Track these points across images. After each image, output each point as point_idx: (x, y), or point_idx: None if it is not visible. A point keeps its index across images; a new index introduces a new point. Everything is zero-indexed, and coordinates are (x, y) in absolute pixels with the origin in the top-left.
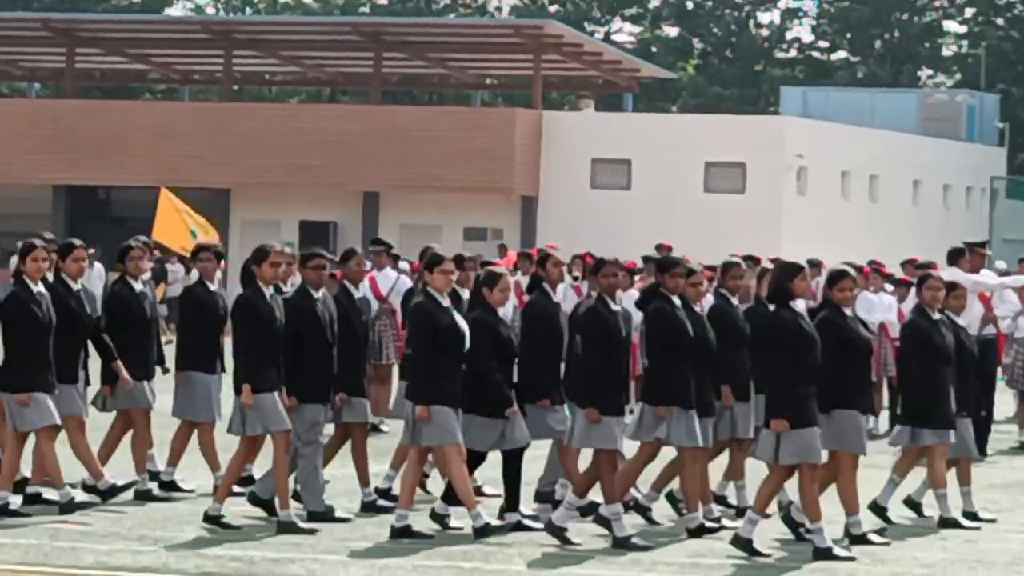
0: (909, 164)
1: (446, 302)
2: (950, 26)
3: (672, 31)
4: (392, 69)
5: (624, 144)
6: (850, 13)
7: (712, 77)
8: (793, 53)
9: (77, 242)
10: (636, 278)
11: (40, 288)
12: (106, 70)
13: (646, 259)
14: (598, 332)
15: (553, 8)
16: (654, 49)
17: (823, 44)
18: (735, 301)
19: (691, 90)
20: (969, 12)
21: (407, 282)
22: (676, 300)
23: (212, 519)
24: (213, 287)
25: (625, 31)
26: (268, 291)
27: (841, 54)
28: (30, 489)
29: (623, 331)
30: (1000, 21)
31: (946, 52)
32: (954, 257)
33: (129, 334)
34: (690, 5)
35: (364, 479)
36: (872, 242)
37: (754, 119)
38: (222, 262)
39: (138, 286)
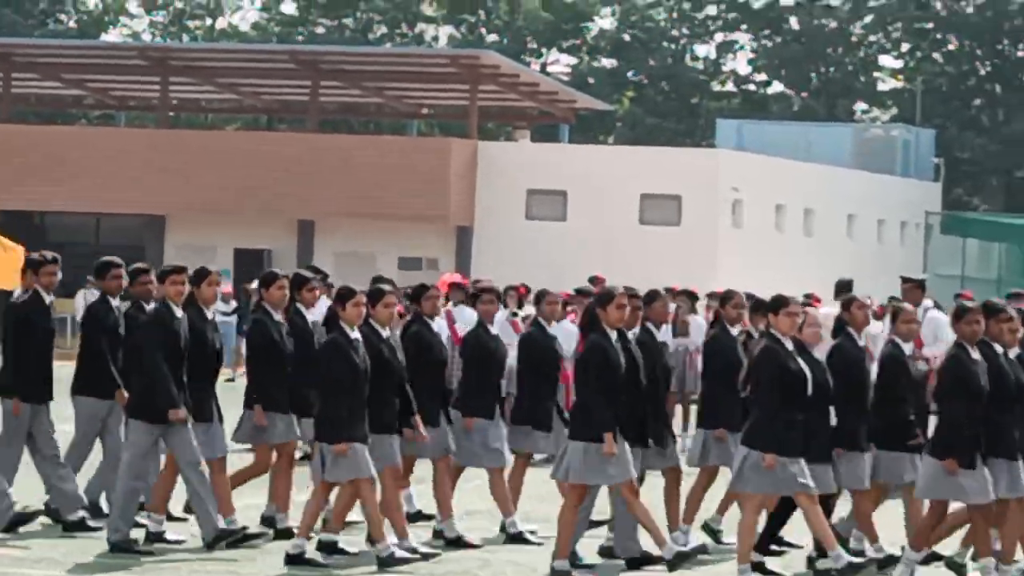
0: (844, 198)
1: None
2: (885, 61)
3: (609, 63)
4: (329, 98)
5: (560, 175)
6: (785, 47)
7: (648, 109)
8: (729, 86)
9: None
10: (569, 309)
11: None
12: (42, 95)
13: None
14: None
15: (490, 39)
16: (590, 80)
17: (759, 78)
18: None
19: (627, 122)
20: (905, 47)
21: None
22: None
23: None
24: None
25: (562, 62)
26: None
27: (777, 87)
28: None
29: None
30: (936, 56)
31: (881, 87)
32: (839, 291)
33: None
34: (627, 37)
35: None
36: (807, 275)
37: (690, 151)
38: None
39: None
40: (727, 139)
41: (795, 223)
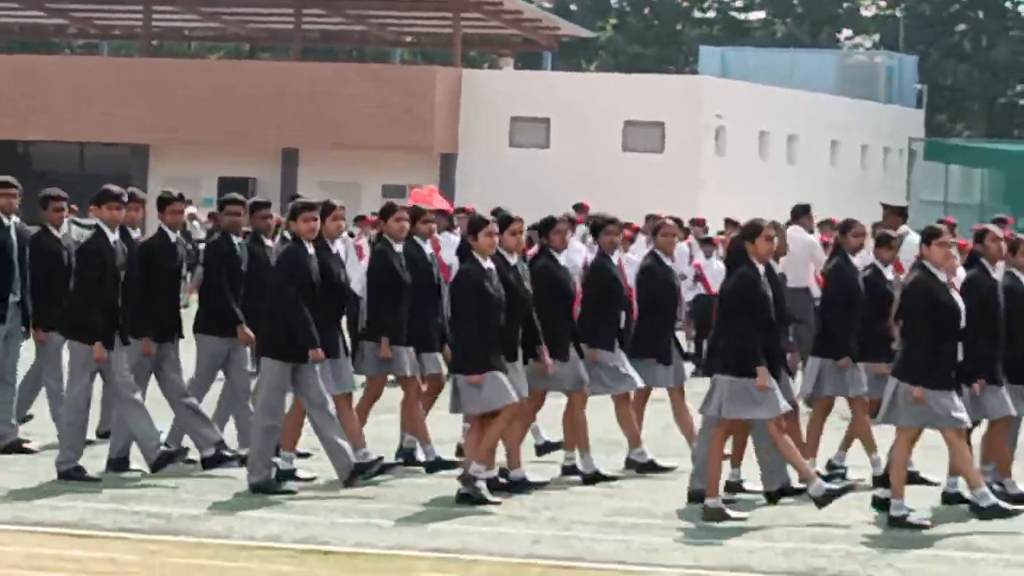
0: (827, 125)
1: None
2: None
3: None
4: (312, 26)
5: (543, 103)
6: None
7: (631, 36)
8: (712, 13)
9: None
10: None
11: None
12: (25, 24)
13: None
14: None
15: None
16: (573, 8)
17: (741, 3)
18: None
19: (610, 49)
20: None
21: None
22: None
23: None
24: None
25: None
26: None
27: (759, 14)
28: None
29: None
30: None
31: (865, 13)
32: (796, 215)
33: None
34: None
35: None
36: (790, 202)
37: (672, 79)
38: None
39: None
40: (710, 66)
41: (778, 150)
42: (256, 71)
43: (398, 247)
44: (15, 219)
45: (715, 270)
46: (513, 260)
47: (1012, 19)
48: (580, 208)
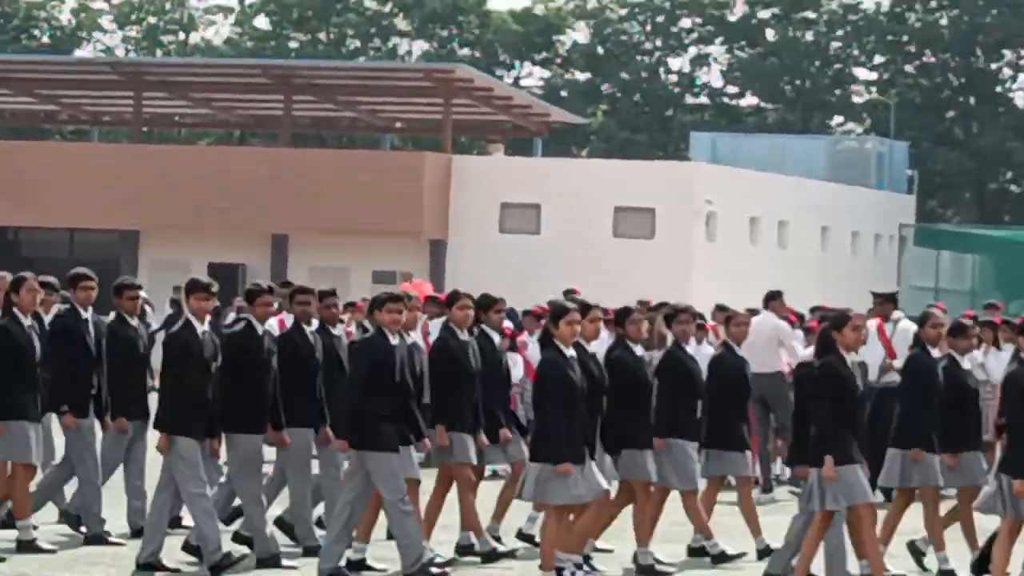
0: (818, 210)
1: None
2: (860, 73)
3: (582, 76)
4: (302, 112)
5: (533, 189)
6: (761, 60)
7: (622, 122)
8: (703, 99)
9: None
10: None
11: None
12: (16, 110)
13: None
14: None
15: (463, 52)
16: (564, 94)
17: (733, 90)
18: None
19: (601, 135)
20: (879, 59)
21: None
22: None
23: None
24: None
25: (535, 75)
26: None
27: (751, 100)
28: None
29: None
30: (910, 69)
31: (856, 99)
32: (768, 300)
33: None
34: (600, 50)
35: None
36: (780, 288)
37: (663, 164)
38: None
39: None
40: (701, 152)
41: (769, 236)
42: (246, 157)
43: (463, 335)
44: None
45: (703, 355)
46: (592, 348)
47: (1003, 105)
48: (570, 293)
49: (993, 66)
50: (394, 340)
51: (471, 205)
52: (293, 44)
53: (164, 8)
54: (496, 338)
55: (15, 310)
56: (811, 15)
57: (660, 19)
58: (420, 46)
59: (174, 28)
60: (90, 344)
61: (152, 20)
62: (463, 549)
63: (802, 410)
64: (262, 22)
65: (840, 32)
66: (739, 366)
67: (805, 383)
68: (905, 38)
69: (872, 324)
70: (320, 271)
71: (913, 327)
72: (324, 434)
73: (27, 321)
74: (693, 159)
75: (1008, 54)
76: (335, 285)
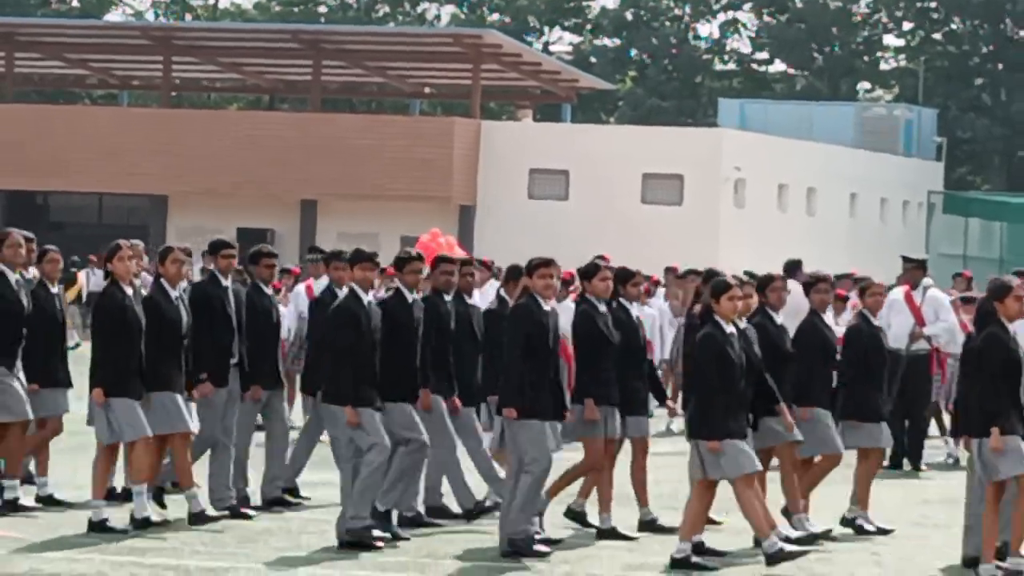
0: (846, 177)
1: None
2: (889, 40)
3: (611, 42)
4: (331, 77)
5: (562, 155)
6: (789, 27)
7: (650, 89)
8: (732, 66)
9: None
10: (571, 288)
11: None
12: (46, 75)
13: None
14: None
15: (492, 18)
16: (593, 60)
17: (762, 56)
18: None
19: (629, 101)
20: (907, 27)
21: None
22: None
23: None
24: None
25: (564, 41)
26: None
27: (780, 67)
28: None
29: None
30: (938, 36)
31: (884, 66)
32: (791, 270)
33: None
34: (629, 16)
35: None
36: (809, 255)
37: (692, 131)
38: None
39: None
40: (729, 118)
41: (798, 203)
42: (275, 122)
43: (602, 307)
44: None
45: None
46: (744, 324)
47: None
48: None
49: (1022, 33)
50: (547, 306)
51: (500, 171)
52: (322, 9)
53: None
54: (634, 311)
55: (162, 281)
56: None
57: None
58: (449, 11)
59: None
60: (230, 313)
61: None
62: (645, 524)
63: (968, 381)
64: None
65: None
66: (876, 336)
67: (965, 356)
68: (933, 4)
69: (900, 291)
70: (349, 236)
71: (943, 295)
72: (453, 403)
73: (174, 292)
74: (721, 126)
75: None
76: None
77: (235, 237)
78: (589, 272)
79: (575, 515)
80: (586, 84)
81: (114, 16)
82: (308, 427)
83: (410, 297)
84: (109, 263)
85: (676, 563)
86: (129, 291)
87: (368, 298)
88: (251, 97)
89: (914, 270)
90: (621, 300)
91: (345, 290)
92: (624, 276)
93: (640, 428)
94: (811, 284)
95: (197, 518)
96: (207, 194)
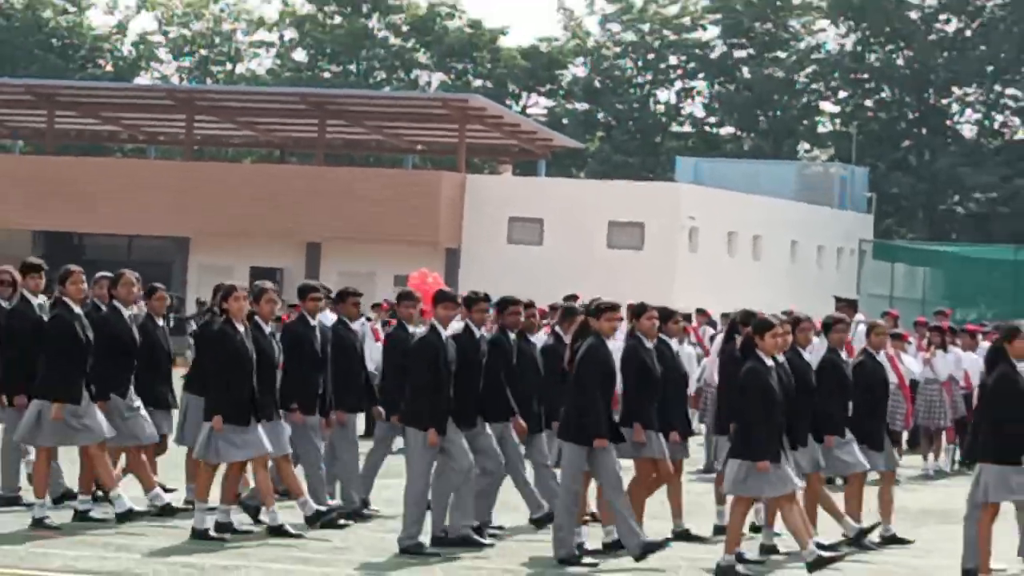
0: (788, 227)
1: (770, 362)
2: (826, 106)
3: (581, 106)
4: (334, 135)
5: (538, 205)
6: (737, 94)
7: (616, 147)
8: (687, 128)
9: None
10: (544, 322)
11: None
12: (82, 130)
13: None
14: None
15: (476, 83)
16: (565, 121)
17: (714, 120)
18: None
19: (597, 158)
20: (843, 95)
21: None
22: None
23: None
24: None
25: (540, 105)
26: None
27: (729, 129)
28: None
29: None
30: (869, 103)
31: (822, 129)
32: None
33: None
34: (597, 84)
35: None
36: (754, 296)
37: (652, 185)
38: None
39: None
40: (685, 174)
41: (745, 249)
42: (284, 174)
43: (648, 343)
44: (320, 318)
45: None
46: (781, 358)
47: (951, 136)
48: (572, 298)
49: (943, 101)
50: (612, 344)
51: (482, 218)
52: (327, 75)
53: (214, 42)
54: (675, 345)
55: (257, 318)
56: (781, 55)
57: (650, 57)
58: (439, 78)
59: (223, 59)
60: (317, 349)
61: (203, 52)
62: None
63: (980, 414)
64: (300, 55)
65: (808, 70)
66: (880, 371)
67: (983, 390)
68: (866, 75)
69: None
70: (348, 274)
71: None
72: (518, 424)
73: (268, 328)
74: (678, 180)
75: (956, 91)
76: (362, 288)
77: (248, 275)
78: (638, 312)
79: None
80: (559, 143)
81: (143, 79)
82: (378, 445)
83: (477, 333)
84: (224, 302)
85: (721, 571)
86: (241, 328)
87: (447, 333)
88: (264, 151)
89: (845, 308)
90: (663, 336)
91: (425, 328)
92: (666, 315)
93: (680, 450)
94: (829, 325)
95: (276, 531)
96: (224, 236)
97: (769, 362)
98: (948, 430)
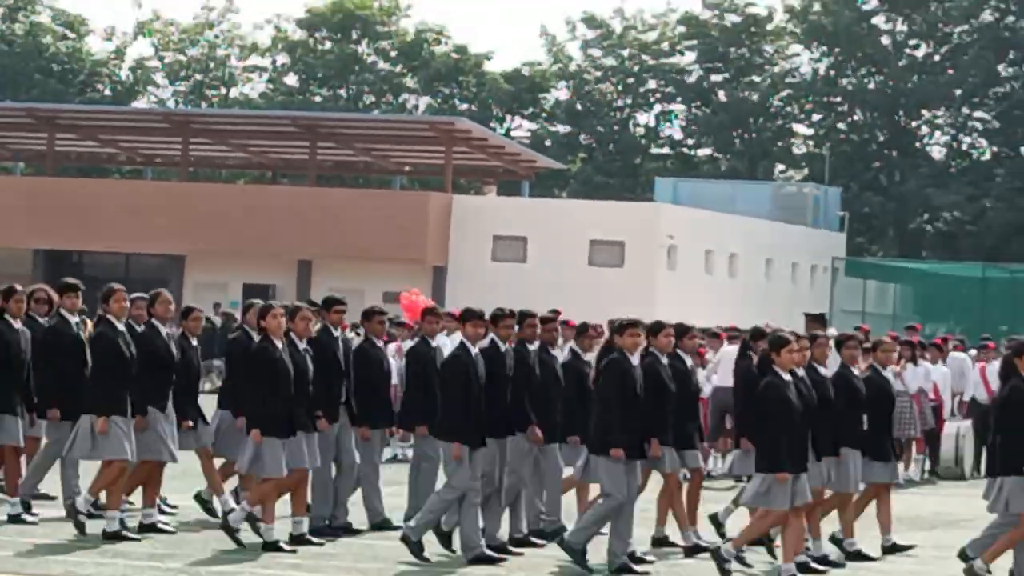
0: (763, 245)
1: (787, 377)
2: (799, 128)
3: (563, 129)
4: (325, 157)
5: (521, 224)
6: (714, 116)
7: (597, 168)
8: (666, 149)
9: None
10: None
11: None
12: (81, 152)
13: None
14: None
15: (462, 107)
16: (548, 143)
17: (691, 142)
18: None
19: (579, 179)
20: (816, 117)
21: None
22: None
23: None
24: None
25: (523, 128)
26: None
27: (706, 150)
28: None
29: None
30: (842, 126)
31: (796, 151)
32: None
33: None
34: (579, 107)
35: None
36: (731, 311)
37: (632, 205)
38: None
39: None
40: (664, 194)
41: (721, 267)
42: (277, 194)
43: (664, 359)
44: (342, 332)
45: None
46: (801, 372)
47: (921, 158)
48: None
49: (913, 124)
50: (634, 360)
51: (468, 237)
52: (317, 99)
53: (209, 67)
54: (688, 361)
55: (292, 335)
56: (756, 79)
57: (630, 81)
58: (426, 101)
59: (217, 84)
60: (340, 360)
61: (198, 77)
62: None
63: (996, 427)
64: (292, 80)
65: (782, 93)
66: (886, 386)
67: (995, 405)
68: (838, 99)
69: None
70: (338, 291)
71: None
72: (534, 433)
73: (302, 344)
74: (657, 200)
75: (926, 114)
76: (352, 303)
77: (241, 292)
78: (655, 329)
79: (660, 541)
80: (542, 164)
81: (140, 103)
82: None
83: (503, 347)
84: (263, 320)
85: None
86: (279, 344)
87: (475, 350)
88: (257, 173)
89: (813, 323)
90: (679, 352)
91: (454, 340)
92: (681, 331)
93: (696, 460)
94: (842, 341)
95: (298, 539)
96: (218, 254)
97: (787, 376)
98: (918, 441)
